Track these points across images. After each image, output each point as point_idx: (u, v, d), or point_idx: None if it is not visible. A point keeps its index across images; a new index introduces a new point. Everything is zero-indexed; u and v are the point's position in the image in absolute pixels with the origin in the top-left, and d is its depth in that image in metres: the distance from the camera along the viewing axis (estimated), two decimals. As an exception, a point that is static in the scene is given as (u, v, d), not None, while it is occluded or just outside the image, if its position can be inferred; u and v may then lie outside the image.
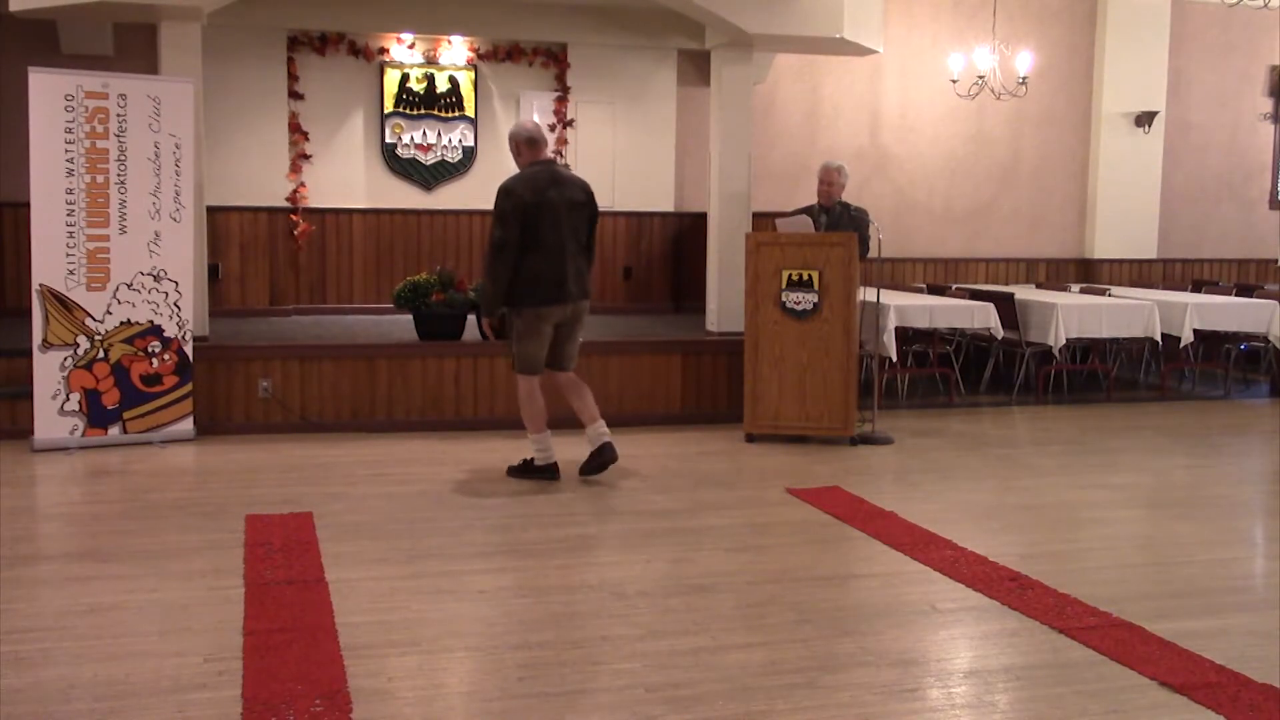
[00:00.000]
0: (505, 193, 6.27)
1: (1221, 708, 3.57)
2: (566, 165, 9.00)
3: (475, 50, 11.28)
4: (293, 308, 10.89)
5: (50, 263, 7.13)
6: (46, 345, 7.16)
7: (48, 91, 7.11)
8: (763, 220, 9.47)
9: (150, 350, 7.43)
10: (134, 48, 10.01)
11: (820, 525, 5.76)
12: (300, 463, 7.05)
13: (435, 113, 11.24)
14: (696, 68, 11.67)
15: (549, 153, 6.63)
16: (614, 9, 10.93)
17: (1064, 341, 9.43)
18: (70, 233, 7.16)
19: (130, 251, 7.34)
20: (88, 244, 7.22)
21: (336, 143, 11.02)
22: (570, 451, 6.72)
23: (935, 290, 11.21)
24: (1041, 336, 9.52)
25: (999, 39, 11.65)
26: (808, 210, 8.11)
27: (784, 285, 7.63)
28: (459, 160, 11.33)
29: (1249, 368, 10.94)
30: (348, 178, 11.08)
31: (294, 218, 10.86)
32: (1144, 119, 13.12)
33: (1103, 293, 10.91)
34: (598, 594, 4.62)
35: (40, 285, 7.12)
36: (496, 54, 11.32)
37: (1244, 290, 11.43)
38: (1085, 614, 4.40)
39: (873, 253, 7.92)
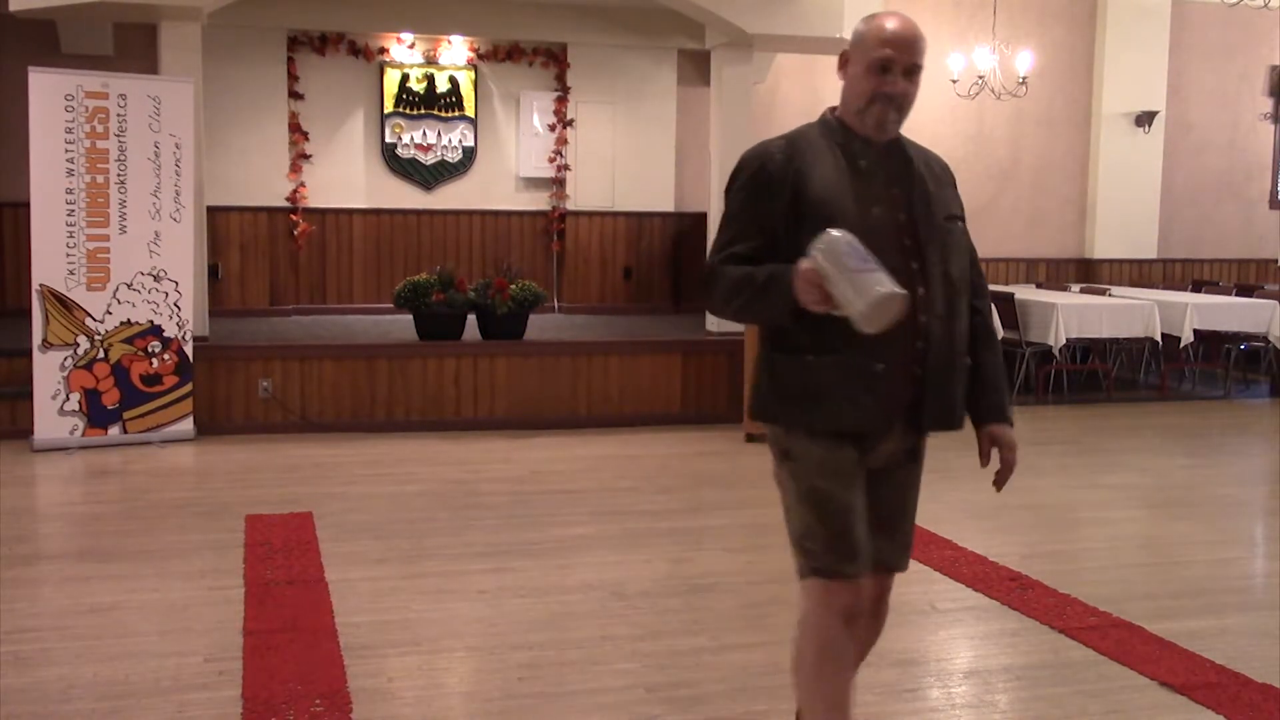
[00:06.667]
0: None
1: (1221, 708, 3.57)
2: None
3: (475, 50, 11.27)
4: (293, 308, 10.88)
5: (50, 263, 7.13)
6: (46, 345, 7.15)
7: (48, 91, 7.11)
8: (763, 220, 9.46)
9: (150, 350, 7.43)
10: (134, 48, 10.01)
11: (820, 525, 5.75)
12: (300, 463, 7.05)
13: (435, 113, 11.23)
14: (696, 68, 11.66)
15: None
16: (614, 9, 10.93)
17: (1064, 341, 9.42)
18: (70, 233, 7.16)
19: (130, 251, 7.33)
20: (88, 244, 7.21)
21: (336, 143, 11.02)
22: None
23: (935, 290, 11.18)
24: (1041, 336, 9.52)
25: (999, 39, 11.65)
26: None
27: (784, 285, 7.61)
28: (459, 160, 11.33)
29: (1249, 368, 10.93)
30: (348, 178, 11.07)
31: (294, 218, 10.86)
32: (1144, 119, 13.11)
33: (1103, 293, 10.91)
34: (598, 594, 4.62)
35: (40, 285, 7.12)
36: (496, 54, 11.31)
37: (1244, 290, 11.43)
38: (1085, 614, 4.40)
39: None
